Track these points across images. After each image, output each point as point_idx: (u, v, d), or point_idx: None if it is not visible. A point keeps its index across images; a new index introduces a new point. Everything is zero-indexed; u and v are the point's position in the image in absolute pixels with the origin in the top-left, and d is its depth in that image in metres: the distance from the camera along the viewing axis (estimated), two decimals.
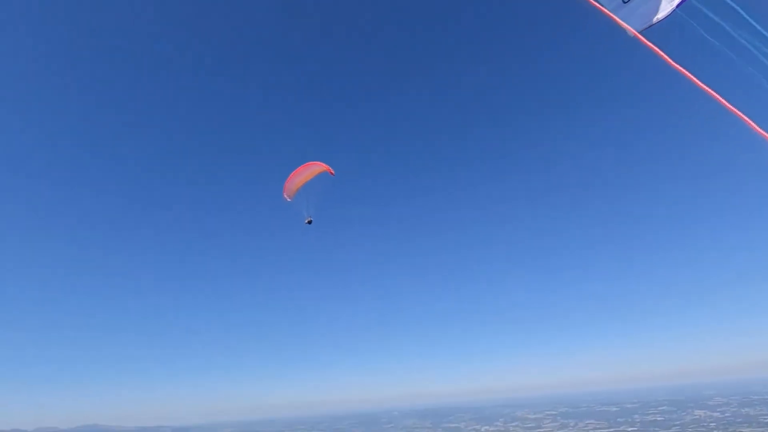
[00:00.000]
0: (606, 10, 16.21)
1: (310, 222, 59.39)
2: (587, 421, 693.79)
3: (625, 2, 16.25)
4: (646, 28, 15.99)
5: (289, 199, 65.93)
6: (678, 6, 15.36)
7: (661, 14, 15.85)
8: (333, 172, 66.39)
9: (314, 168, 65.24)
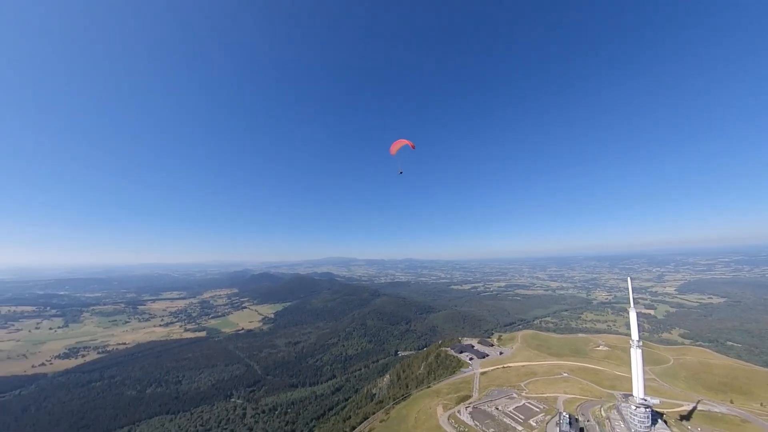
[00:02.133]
0: None
1: (401, 172, 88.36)
2: (763, 268, 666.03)
3: None
4: None
5: (392, 155, 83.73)
6: None
7: None
8: (414, 146, 79.88)
9: (403, 142, 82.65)
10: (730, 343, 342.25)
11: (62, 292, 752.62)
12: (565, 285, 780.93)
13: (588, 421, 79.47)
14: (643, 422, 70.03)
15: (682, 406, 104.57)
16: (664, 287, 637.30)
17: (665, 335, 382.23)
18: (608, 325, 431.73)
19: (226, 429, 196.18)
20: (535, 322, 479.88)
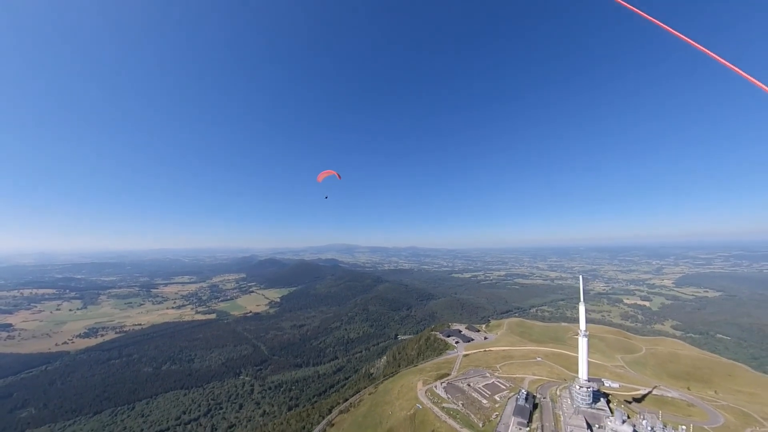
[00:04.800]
0: None
1: (326, 198, 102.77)
2: (763, 263, 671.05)
3: None
4: None
5: (318, 182, 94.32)
6: None
7: None
8: (340, 176, 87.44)
9: (329, 172, 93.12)
10: (720, 335, 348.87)
11: (79, 276, 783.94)
12: (564, 275, 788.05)
13: (544, 398, 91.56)
14: (585, 400, 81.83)
15: (639, 390, 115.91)
16: (662, 280, 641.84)
17: (657, 326, 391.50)
18: (602, 315, 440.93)
19: (235, 403, 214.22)
20: (531, 310, 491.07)
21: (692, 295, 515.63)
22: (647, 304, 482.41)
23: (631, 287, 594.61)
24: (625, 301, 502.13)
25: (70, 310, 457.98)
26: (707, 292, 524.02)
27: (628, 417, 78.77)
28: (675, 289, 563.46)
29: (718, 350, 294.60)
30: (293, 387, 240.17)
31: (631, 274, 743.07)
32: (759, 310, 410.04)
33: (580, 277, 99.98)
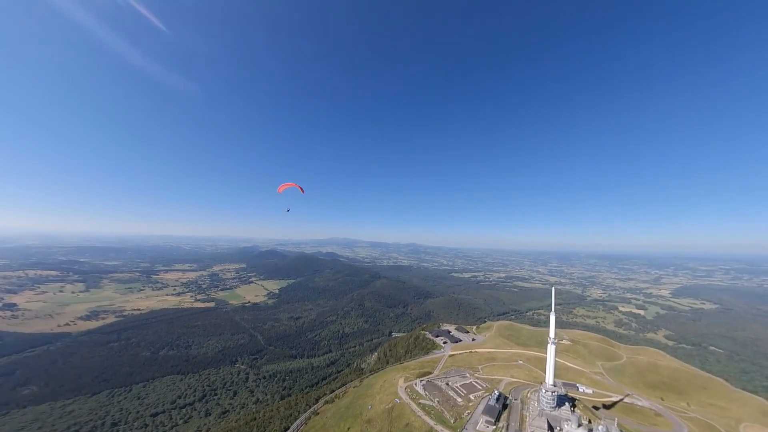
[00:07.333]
0: None
1: (288, 210, 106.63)
2: (763, 278, 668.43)
3: None
4: None
5: (279, 193, 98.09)
6: None
7: None
8: (303, 190, 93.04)
9: (290, 185, 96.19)
10: (713, 348, 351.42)
11: (83, 259, 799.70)
12: (563, 280, 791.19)
13: (515, 399, 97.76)
14: (549, 403, 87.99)
15: (611, 397, 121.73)
16: (659, 290, 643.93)
17: (650, 335, 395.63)
18: (597, 321, 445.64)
19: (230, 390, 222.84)
20: (528, 313, 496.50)
21: (688, 306, 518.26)
22: (642, 312, 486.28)
23: (628, 295, 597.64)
24: (621, 308, 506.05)
25: (73, 292, 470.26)
26: (704, 303, 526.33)
27: (590, 421, 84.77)
28: (671, 299, 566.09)
29: (709, 362, 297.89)
30: (287, 377, 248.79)
31: (629, 282, 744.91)
32: (755, 325, 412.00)
33: (552, 289, 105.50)
